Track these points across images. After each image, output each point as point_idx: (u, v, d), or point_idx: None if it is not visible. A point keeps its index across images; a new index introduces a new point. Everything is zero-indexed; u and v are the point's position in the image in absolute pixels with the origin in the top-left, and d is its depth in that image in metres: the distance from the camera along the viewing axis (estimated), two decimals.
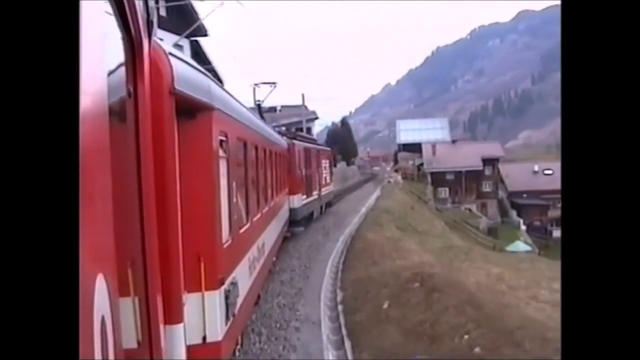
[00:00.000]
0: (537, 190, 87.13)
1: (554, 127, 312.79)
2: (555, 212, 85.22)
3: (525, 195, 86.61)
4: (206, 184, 6.10)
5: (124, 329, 2.11)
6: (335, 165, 36.25)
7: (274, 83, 25.87)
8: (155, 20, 3.63)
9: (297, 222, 24.62)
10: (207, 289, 5.79)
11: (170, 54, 4.99)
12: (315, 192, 30.29)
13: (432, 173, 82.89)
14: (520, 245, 62.82)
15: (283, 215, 19.88)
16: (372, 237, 29.58)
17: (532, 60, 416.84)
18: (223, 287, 6.52)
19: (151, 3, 3.29)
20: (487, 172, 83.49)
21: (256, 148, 11.07)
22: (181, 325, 4.92)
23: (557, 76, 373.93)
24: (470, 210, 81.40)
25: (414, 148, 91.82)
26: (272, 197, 14.60)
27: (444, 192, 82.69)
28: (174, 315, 4.71)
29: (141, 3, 2.94)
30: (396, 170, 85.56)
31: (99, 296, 1.44)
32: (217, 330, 6.04)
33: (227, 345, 6.89)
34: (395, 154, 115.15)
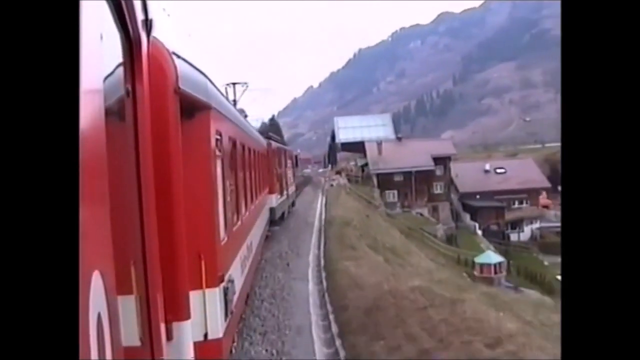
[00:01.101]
0: (491, 190, 79.23)
1: (475, 127, 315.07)
2: (511, 214, 77.45)
3: (478, 196, 78.48)
4: (205, 182, 6.19)
5: (129, 326, 2.21)
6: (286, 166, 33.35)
7: (245, 83, 26.26)
8: (153, 18, 3.35)
9: (274, 221, 24.31)
10: (207, 286, 5.72)
11: (174, 53, 4.99)
12: (285, 192, 29.98)
13: (378, 174, 73.43)
14: (492, 257, 53.90)
15: (265, 214, 19.89)
16: (358, 273, 19.55)
17: (453, 62, 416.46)
18: (222, 285, 6.59)
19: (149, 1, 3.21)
20: (438, 172, 74.82)
21: (243, 147, 11.13)
22: (189, 322, 4.83)
23: (478, 77, 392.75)
24: (421, 214, 72.41)
25: (356, 147, 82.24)
26: (257, 196, 14.42)
27: (392, 195, 73.37)
28: (181, 312, 4.68)
29: (139, 2, 2.92)
30: (338, 172, 75.50)
31: (94, 293, 1.45)
32: (218, 328, 6.05)
33: (227, 342, 7.11)
34: (328, 155, 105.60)
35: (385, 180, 72.81)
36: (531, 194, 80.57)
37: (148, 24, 3.27)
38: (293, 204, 38.46)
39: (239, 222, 9.52)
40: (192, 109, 5.70)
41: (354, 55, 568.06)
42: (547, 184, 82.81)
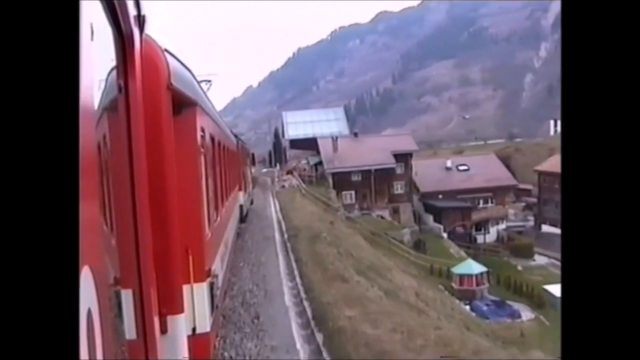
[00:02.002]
0: (454, 189, 72.51)
1: (415, 125, 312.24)
2: (476, 215, 70.96)
3: (440, 196, 71.61)
4: (192, 178, 6.19)
5: (125, 321, 2.25)
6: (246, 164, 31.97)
7: (209, 81, 22.13)
8: (146, 15, 3.37)
9: (241, 219, 23.63)
10: (195, 281, 5.73)
11: (166, 50, 5.00)
12: (248, 190, 29.78)
13: (334, 174, 65.51)
14: (473, 266, 46.67)
15: (237, 211, 19.73)
16: (376, 337, 11.68)
17: (392, 60, 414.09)
18: (209, 279, 6.59)
19: None
20: (399, 170, 67.54)
21: (219, 144, 10.96)
22: (182, 315, 4.77)
23: (417, 75, 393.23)
24: (382, 217, 64.95)
25: (307, 144, 74.02)
26: (230, 193, 14.41)
27: (349, 196, 65.49)
28: (176, 305, 4.63)
29: None
30: (289, 172, 67.05)
31: (84, 288, 1.45)
32: (205, 322, 6.04)
33: (213, 336, 7.39)
34: (272, 154, 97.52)
35: (341, 180, 64.88)
36: (497, 192, 74.09)
37: (141, 19, 3.24)
38: (252, 202, 36.93)
39: (219, 218, 9.38)
40: (180, 105, 5.64)
41: (293, 55, 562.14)
42: (514, 181, 76.65)
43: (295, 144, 78.17)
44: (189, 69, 6.19)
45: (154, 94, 4.31)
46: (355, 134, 73.80)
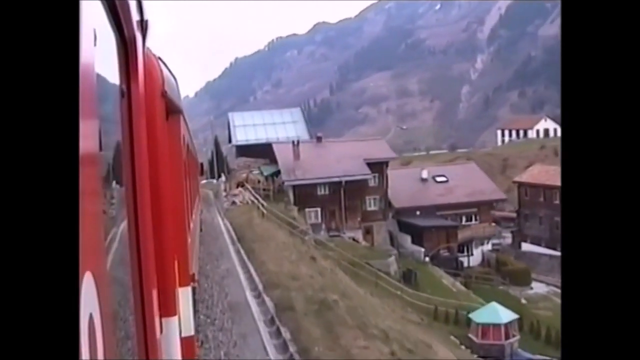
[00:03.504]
0: (432, 204, 60.27)
1: (353, 136, 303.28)
2: (461, 234, 58.96)
3: (418, 212, 59.29)
4: (177, 184, 6.24)
5: (125, 324, 2.31)
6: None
7: None
8: (149, 20, 3.33)
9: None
10: (181, 285, 5.53)
11: (159, 57, 4.97)
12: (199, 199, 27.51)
13: (295, 187, 52.14)
14: (499, 312, 33.82)
15: (198, 220, 18.69)
16: None
17: (330, 71, 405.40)
18: (192, 284, 6.58)
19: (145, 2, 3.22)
20: (372, 182, 54.78)
21: (189, 152, 10.69)
22: (176, 317, 4.75)
23: (355, 86, 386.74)
24: (355, 240, 51.95)
25: (259, 151, 60.36)
26: (195, 201, 14.03)
27: (314, 214, 52.29)
28: (170, 308, 4.50)
29: (135, 2, 2.84)
30: (240, 185, 52.84)
31: (86, 293, 1.43)
32: (190, 325, 5.94)
33: (195, 340, 7.14)
34: (213, 163, 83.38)
35: (305, 195, 51.35)
36: (482, 207, 62.03)
37: (144, 24, 3.23)
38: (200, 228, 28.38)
39: (192, 224, 9.53)
40: (168, 112, 5.53)
41: (231, 65, 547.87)
42: (501, 195, 64.72)
43: (244, 150, 63.85)
44: (174, 76, 5.89)
45: (151, 100, 4.05)
46: (319, 138, 59.46)
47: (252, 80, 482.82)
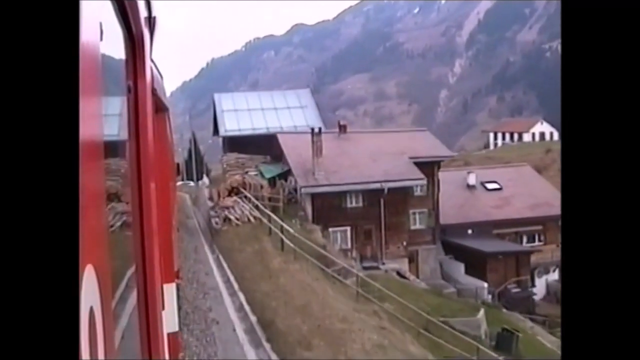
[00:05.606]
0: (489, 220, 43.43)
1: None
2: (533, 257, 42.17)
3: (470, 231, 42.38)
4: (165, 181, 5.99)
5: (127, 318, 2.25)
6: None
7: None
8: (157, 16, 3.26)
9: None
10: (166, 282, 4.87)
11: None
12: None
13: (314, 195, 34.77)
14: None
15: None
16: None
17: (307, 73, 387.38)
18: (177, 280, 6.63)
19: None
20: (418, 190, 37.62)
21: (171, 150, 10.78)
22: (164, 312, 4.15)
23: (332, 88, 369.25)
24: (400, 274, 34.55)
25: (256, 144, 42.61)
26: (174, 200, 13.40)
27: (340, 236, 34.98)
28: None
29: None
30: (234, 192, 34.94)
31: (87, 286, 1.41)
32: (174, 321, 5.86)
33: (181, 335, 7.13)
34: (189, 164, 66.11)
35: (328, 208, 33.94)
36: (547, 223, 45.17)
37: (151, 21, 3.17)
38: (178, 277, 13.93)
39: (174, 222, 9.08)
40: (156, 110, 4.92)
41: (207, 65, 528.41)
42: None
43: (236, 144, 45.21)
44: (161, 74, 5.54)
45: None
46: (343, 128, 41.60)
47: (228, 81, 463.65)
